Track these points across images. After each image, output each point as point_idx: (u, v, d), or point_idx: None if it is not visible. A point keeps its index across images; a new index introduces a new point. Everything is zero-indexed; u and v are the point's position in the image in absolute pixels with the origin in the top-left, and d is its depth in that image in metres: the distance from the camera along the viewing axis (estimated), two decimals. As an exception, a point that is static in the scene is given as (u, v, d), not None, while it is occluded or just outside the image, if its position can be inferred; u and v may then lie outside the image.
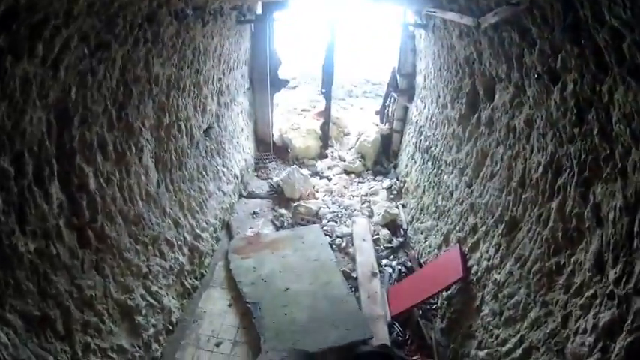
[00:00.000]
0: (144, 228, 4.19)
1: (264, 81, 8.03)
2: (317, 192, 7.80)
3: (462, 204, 4.84)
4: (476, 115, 4.65)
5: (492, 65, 4.07)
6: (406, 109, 8.32)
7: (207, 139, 5.91)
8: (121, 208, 3.72)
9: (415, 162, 7.19)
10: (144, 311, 4.08)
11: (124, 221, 3.77)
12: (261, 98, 8.21)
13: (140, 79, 3.81)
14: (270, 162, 8.63)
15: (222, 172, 6.57)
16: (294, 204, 7.20)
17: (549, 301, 3.00)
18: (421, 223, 6.25)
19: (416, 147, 7.22)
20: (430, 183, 6.16)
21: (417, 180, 6.91)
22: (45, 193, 2.74)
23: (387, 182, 8.12)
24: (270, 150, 8.77)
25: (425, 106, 6.87)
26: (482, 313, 3.95)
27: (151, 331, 4.17)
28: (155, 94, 4.14)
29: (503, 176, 3.91)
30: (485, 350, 3.76)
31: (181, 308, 4.98)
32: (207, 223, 5.82)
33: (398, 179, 8.15)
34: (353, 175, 8.42)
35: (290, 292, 5.28)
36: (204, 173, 5.78)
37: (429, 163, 6.27)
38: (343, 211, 7.25)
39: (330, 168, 8.57)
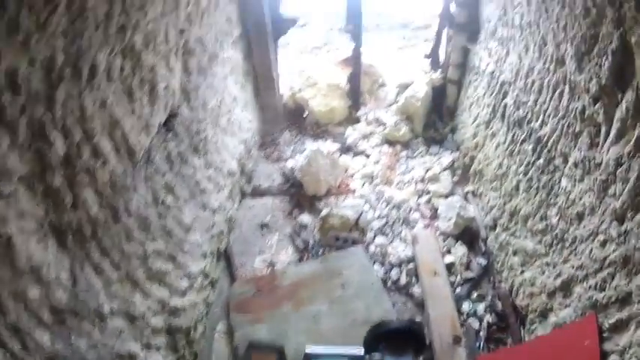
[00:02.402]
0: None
1: (263, 23, 5.35)
2: (351, 178, 5.46)
3: (603, 245, 2.55)
4: (631, 93, 2.29)
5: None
6: (466, 52, 5.72)
7: (170, 136, 3.49)
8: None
9: (494, 133, 4.74)
10: None
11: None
12: (260, 47, 5.56)
13: None
14: (281, 133, 6.20)
15: (208, 177, 4.22)
16: (322, 209, 4.88)
17: None
18: (512, 235, 3.95)
19: (494, 111, 4.73)
20: (530, 179, 3.75)
21: (500, 164, 4.48)
22: None
23: (447, 157, 5.69)
24: (281, 116, 6.30)
25: (508, 52, 4.33)
26: None
27: None
28: (19, 109, 1.77)
29: None
30: None
31: None
32: (189, 277, 3.59)
33: (460, 150, 5.75)
34: (399, 147, 5.95)
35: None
36: (168, 200, 3.45)
37: (528, 147, 3.83)
38: (394, 212, 4.91)
39: (365, 137, 6.06)
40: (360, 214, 4.76)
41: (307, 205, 5.05)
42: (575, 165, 3.04)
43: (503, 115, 4.51)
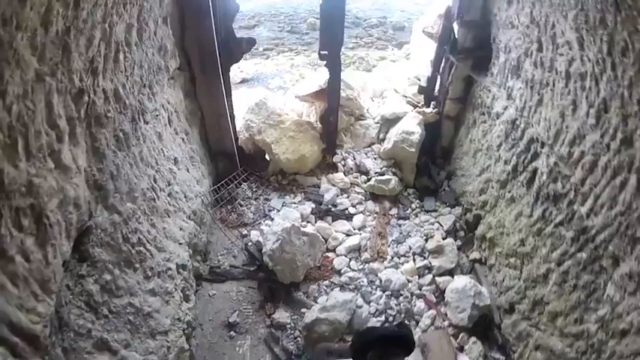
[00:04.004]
0: None
1: (211, 47, 4.00)
2: (333, 253, 4.21)
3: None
4: None
5: None
6: (469, 83, 4.67)
7: (86, 269, 2.12)
8: None
9: (513, 199, 3.76)
10: None
11: None
12: (207, 81, 4.20)
13: None
14: (238, 186, 4.85)
15: (151, 291, 2.84)
16: (301, 300, 3.72)
17: None
18: (535, 327, 3.21)
19: (515, 171, 3.73)
20: (566, 273, 2.95)
21: (522, 240, 3.53)
22: None
23: (446, 215, 4.60)
24: (237, 164, 4.95)
25: (542, 102, 3.30)
26: None
27: None
28: None
29: None
30: None
31: None
32: None
33: (459, 203, 4.71)
34: (387, 203, 4.76)
35: None
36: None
37: (566, 233, 2.98)
38: (393, 303, 3.75)
39: (344, 191, 4.81)
40: (354, 311, 3.55)
41: (282, 294, 3.78)
42: (629, 276, 2.41)
43: (530, 182, 3.52)
